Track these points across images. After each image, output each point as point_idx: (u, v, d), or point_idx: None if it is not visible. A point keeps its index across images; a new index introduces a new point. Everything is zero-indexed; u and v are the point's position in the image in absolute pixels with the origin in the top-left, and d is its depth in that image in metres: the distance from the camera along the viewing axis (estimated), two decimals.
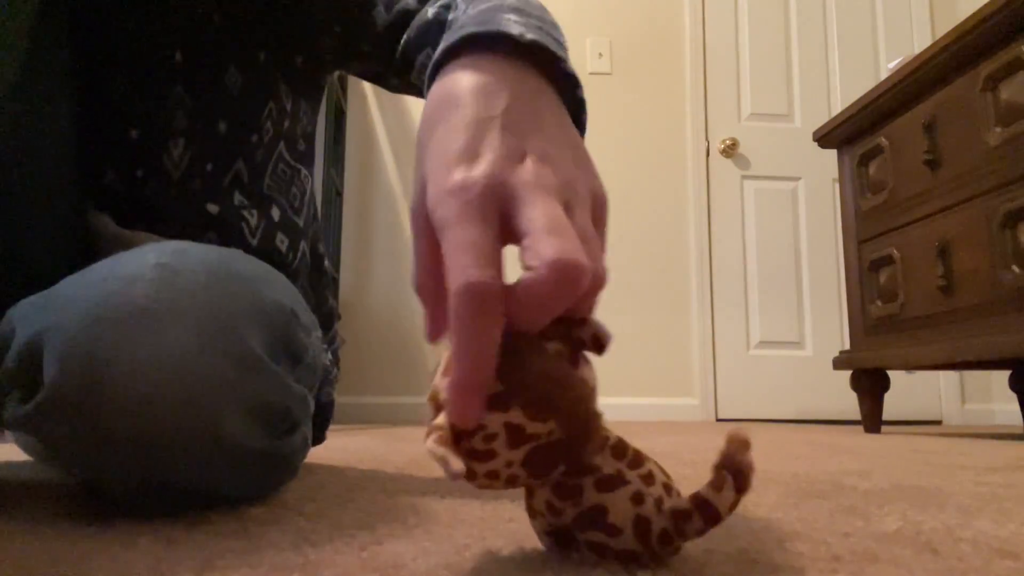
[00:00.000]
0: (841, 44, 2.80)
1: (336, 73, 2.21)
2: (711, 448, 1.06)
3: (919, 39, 2.82)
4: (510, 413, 0.24)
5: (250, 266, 0.42)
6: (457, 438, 0.24)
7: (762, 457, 0.89)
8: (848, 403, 2.57)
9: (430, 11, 0.51)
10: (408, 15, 0.53)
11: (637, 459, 0.27)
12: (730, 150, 2.68)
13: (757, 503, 0.48)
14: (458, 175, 0.24)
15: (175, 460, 0.35)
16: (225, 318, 0.36)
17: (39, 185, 0.47)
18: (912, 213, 1.56)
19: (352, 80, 2.54)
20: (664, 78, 2.73)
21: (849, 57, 2.80)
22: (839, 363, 1.78)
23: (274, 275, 0.45)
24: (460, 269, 0.22)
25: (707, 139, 2.70)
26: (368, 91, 2.60)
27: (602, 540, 0.26)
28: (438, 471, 0.69)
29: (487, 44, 0.30)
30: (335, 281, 2.28)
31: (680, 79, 2.74)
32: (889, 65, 1.79)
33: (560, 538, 0.28)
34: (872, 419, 1.70)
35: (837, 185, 2.66)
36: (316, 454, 0.89)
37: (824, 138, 1.85)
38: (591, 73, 2.70)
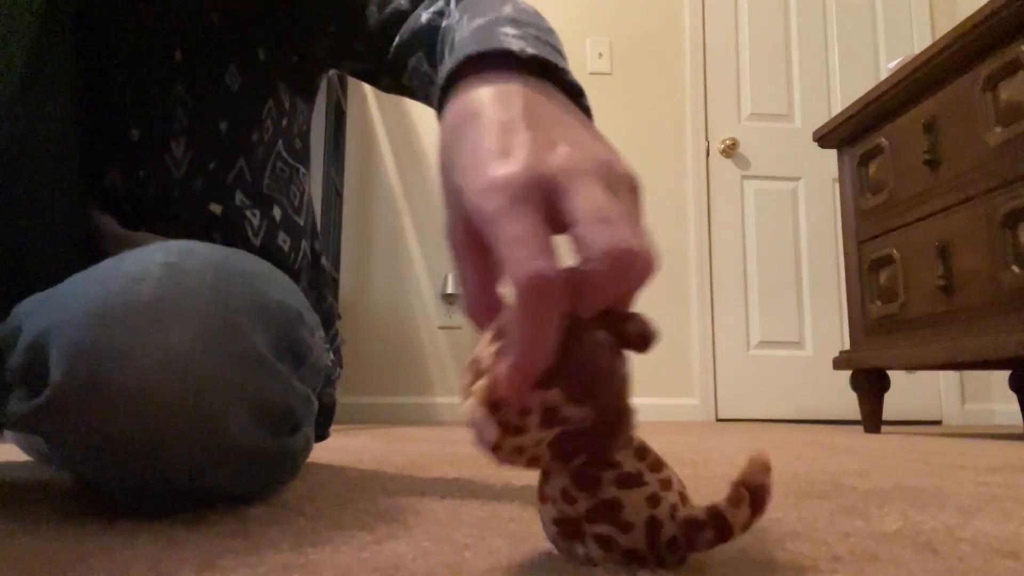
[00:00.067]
0: (841, 44, 2.80)
1: (333, 72, 2.21)
2: (711, 448, 1.06)
3: (919, 39, 2.82)
4: (550, 393, 0.24)
5: (255, 266, 0.42)
6: (493, 407, 0.25)
7: None
8: (848, 403, 2.57)
9: (424, 16, 0.51)
10: (400, 15, 0.54)
11: (657, 463, 0.28)
12: (730, 150, 2.68)
13: None
14: (498, 171, 0.24)
15: (178, 458, 0.36)
16: (230, 317, 0.36)
17: (42, 185, 0.47)
18: (912, 213, 1.56)
19: (352, 80, 2.54)
20: (664, 78, 2.73)
21: (849, 57, 2.79)
22: (839, 363, 1.78)
23: (278, 275, 0.45)
24: (519, 262, 0.22)
25: (707, 139, 2.69)
26: (368, 91, 2.60)
27: (611, 535, 0.26)
28: (438, 471, 0.69)
29: (489, 62, 0.31)
30: (335, 280, 2.28)
31: (680, 79, 2.73)
32: (889, 65, 1.79)
33: (566, 528, 0.27)
34: (872, 419, 1.70)
35: (837, 185, 2.66)
36: (317, 454, 0.89)
37: (824, 138, 1.85)
38: (591, 73, 2.70)
